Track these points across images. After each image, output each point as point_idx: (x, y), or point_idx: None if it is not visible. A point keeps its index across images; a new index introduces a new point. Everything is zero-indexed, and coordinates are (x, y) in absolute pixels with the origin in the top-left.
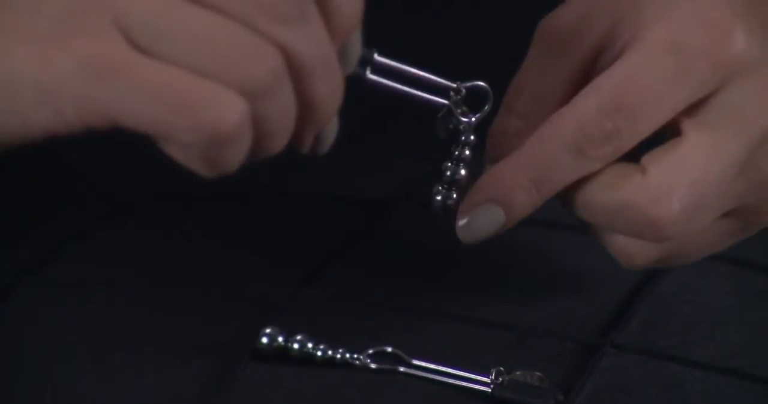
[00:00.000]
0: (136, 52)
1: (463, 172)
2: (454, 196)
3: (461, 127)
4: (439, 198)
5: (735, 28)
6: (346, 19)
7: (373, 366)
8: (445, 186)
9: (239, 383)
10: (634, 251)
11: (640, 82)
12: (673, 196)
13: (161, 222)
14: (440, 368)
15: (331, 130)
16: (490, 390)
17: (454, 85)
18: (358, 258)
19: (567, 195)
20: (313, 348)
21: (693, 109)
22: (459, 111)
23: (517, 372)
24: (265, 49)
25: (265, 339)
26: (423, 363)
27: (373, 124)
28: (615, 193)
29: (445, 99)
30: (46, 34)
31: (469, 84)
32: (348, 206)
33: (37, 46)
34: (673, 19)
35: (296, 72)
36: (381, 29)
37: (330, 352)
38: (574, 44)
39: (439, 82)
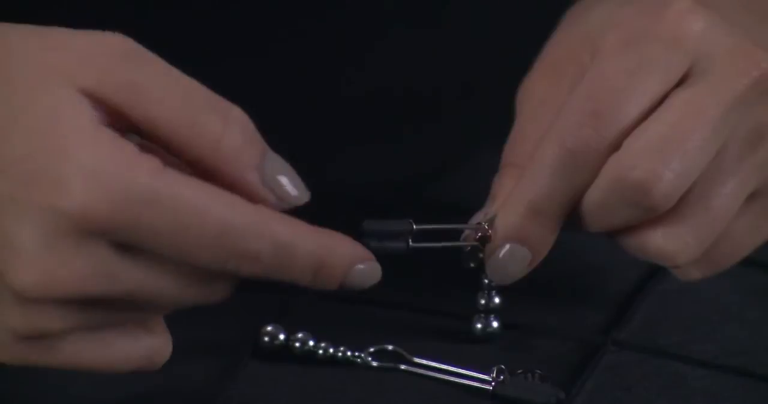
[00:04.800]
0: (84, 333)
1: (497, 299)
2: (495, 324)
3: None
4: (479, 325)
5: (677, 5)
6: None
7: (374, 364)
8: (483, 314)
9: (240, 381)
10: (671, 249)
11: (607, 83)
12: (645, 155)
13: None
14: (441, 366)
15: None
16: (491, 389)
17: (480, 224)
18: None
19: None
20: (314, 346)
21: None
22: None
23: (518, 371)
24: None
25: (266, 338)
26: (424, 361)
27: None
28: (600, 180)
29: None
30: (11, 301)
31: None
32: (348, 205)
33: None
34: (621, 23)
35: None
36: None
37: (331, 350)
38: (551, 108)
39: (466, 226)
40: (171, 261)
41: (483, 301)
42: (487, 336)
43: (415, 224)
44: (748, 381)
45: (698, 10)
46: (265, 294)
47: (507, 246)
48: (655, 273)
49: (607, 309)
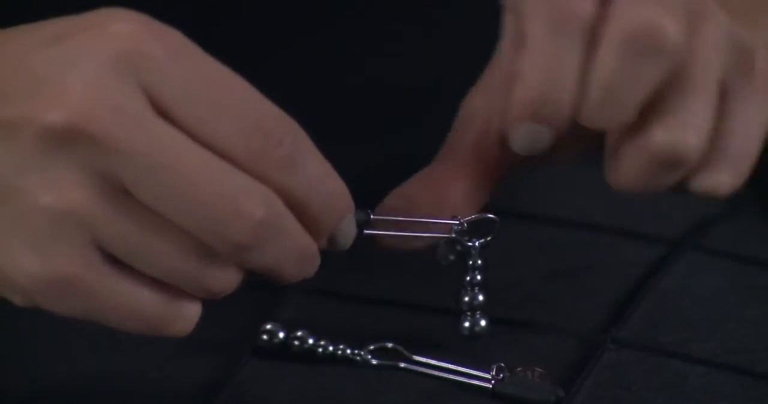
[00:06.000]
0: (109, 269)
1: (481, 297)
2: (482, 322)
3: (471, 251)
4: (467, 324)
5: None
6: (329, 222)
7: (373, 362)
8: (469, 313)
9: (240, 379)
10: (676, 140)
11: None
12: (641, 5)
13: None
14: (441, 364)
15: (347, 227)
16: (490, 386)
17: (457, 221)
18: (359, 254)
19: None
20: (314, 344)
21: None
22: (464, 242)
23: (518, 368)
24: (251, 203)
25: (265, 336)
26: (424, 359)
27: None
28: (606, 47)
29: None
30: (25, 244)
31: (473, 218)
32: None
33: (16, 253)
34: None
35: (296, 210)
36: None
37: (331, 348)
38: (472, 125)
39: (441, 222)
40: (171, 223)
41: (467, 299)
42: (475, 334)
43: (375, 215)
44: (747, 379)
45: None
46: (265, 292)
47: (526, 125)
48: (655, 271)
49: (606, 308)
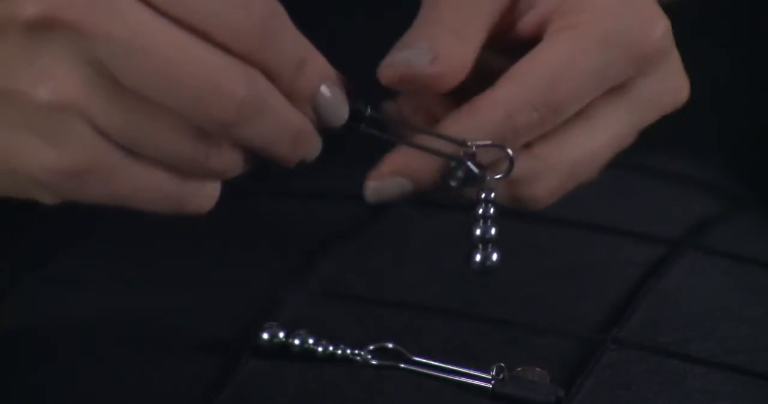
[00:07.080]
0: (121, 154)
1: (493, 230)
2: (494, 256)
3: (482, 185)
4: (478, 259)
5: (658, 19)
6: (304, 88)
7: (374, 362)
8: (480, 246)
9: (240, 379)
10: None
11: (569, 77)
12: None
13: (160, 220)
14: (441, 364)
15: (330, 99)
16: (491, 387)
17: (466, 143)
18: (359, 254)
19: None
20: (314, 344)
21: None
22: (473, 167)
23: (518, 369)
24: (231, 82)
25: (266, 335)
26: (424, 360)
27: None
28: None
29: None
30: (38, 141)
31: (481, 143)
32: (348, 203)
33: (32, 151)
34: (605, 9)
35: (275, 82)
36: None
37: (331, 348)
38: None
39: (449, 137)
40: (161, 106)
41: (478, 232)
42: (486, 269)
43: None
44: (747, 379)
45: (669, 29)
46: (265, 292)
47: (396, 179)
48: (655, 271)
49: (607, 307)
